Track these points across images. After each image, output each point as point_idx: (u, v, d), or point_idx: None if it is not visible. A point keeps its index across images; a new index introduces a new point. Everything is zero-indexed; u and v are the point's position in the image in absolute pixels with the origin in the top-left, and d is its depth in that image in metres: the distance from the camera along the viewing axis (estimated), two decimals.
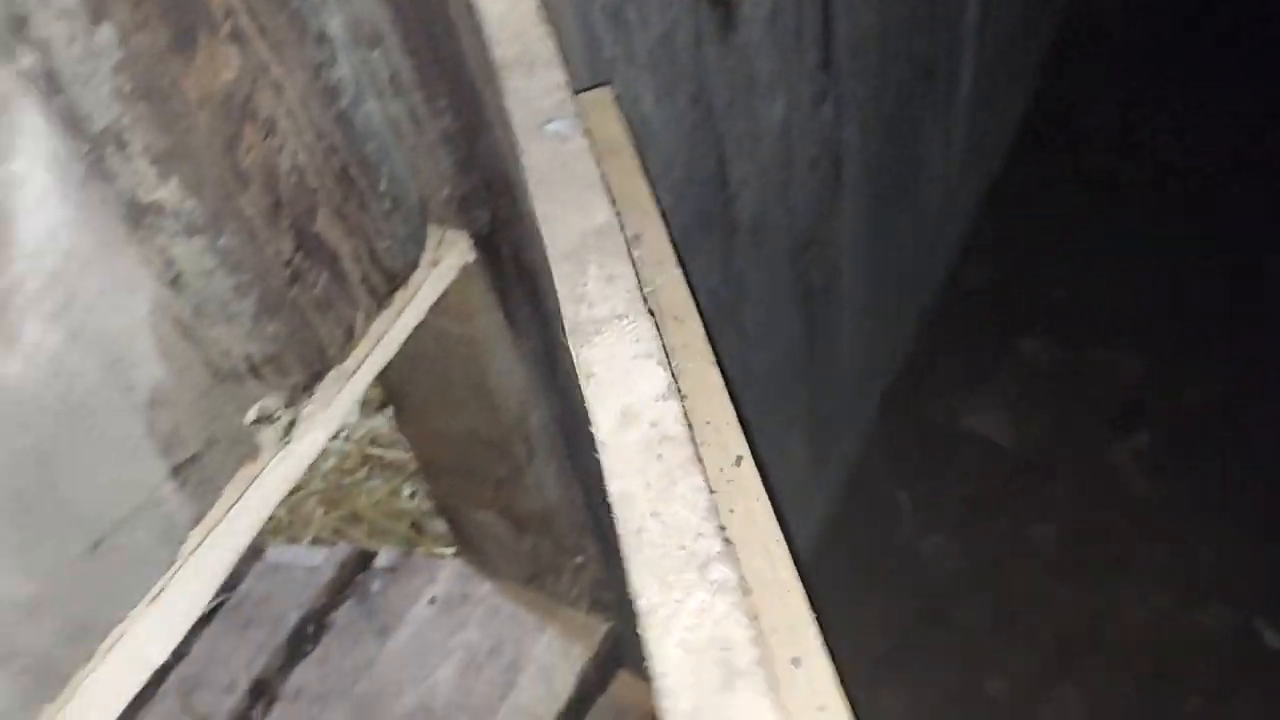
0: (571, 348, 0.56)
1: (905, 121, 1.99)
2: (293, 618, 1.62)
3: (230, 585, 1.73)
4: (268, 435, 0.74)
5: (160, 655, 0.69)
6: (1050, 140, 2.89)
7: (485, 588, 1.41)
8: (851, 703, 0.52)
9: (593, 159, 0.67)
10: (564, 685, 1.30)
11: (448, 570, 1.45)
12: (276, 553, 1.73)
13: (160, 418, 0.64)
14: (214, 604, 1.73)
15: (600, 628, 1.35)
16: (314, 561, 1.74)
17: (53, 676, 0.62)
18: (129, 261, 0.60)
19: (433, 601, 1.42)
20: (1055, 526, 2.24)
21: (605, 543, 1.31)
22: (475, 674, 1.33)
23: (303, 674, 1.56)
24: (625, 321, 0.56)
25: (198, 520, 0.69)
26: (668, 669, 0.43)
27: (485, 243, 0.88)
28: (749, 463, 0.60)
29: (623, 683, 1.39)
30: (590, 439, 0.51)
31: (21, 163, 0.53)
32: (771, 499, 0.62)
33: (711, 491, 0.50)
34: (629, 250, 0.62)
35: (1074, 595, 2.14)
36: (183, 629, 0.70)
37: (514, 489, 1.21)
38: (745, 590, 0.46)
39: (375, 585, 1.65)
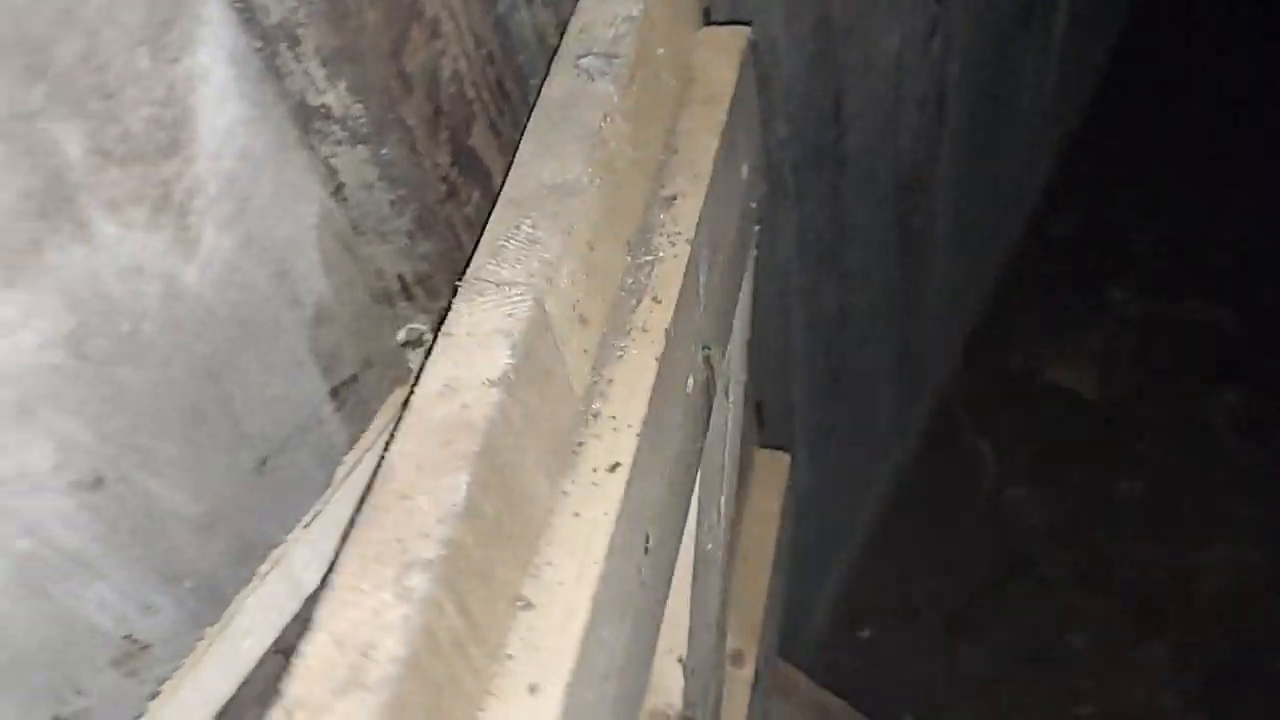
0: (457, 295, 0.51)
1: (1003, 63, 1.91)
2: None
3: None
4: (417, 358, 0.71)
5: (314, 580, 0.68)
6: (1136, 86, 2.76)
7: None
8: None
9: (606, 107, 0.61)
10: None
11: None
12: None
13: (323, 335, 0.62)
14: None
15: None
16: None
17: (217, 598, 0.61)
18: (298, 168, 0.57)
19: None
20: (1143, 482, 2.18)
21: None
22: None
23: None
24: (513, 291, 0.51)
25: (353, 443, 0.67)
26: (309, 654, 0.40)
27: None
28: (623, 473, 0.54)
29: None
30: None
31: (205, 55, 0.50)
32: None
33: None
34: (578, 217, 0.56)
35: (1161, 552, 2.09)
36: (331, 554, 0.69)
37: None
38: (444, 607, 0.42)
39: None
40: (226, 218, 0.54)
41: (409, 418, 0.47)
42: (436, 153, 0.66)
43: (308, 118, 0.57)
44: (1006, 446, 2.25)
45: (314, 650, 0.41)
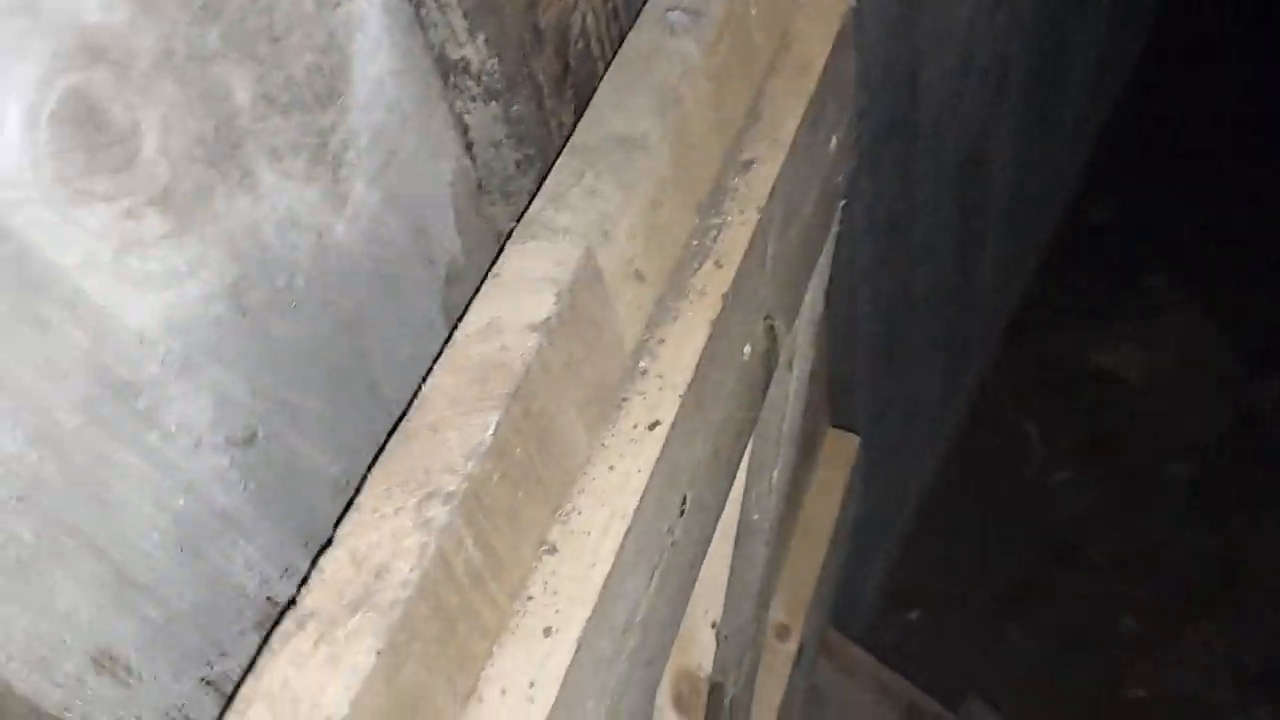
0: (512, 234, 0.51)
1: (1057, 39, 1.88)
2: None
3: None
4: None
5: None
6: (1175, 70, 2.73)
7: None
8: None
9: (687, 65, 0.59)
10: None
11: None
12: None
13: (453, 295, 0.61)
14: None
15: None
16: None
17: None
18: (438, 123, 0.56)
19: None
20: (1188, 466, 2.16)
21: None
22: None
23: None
24: (565, 240, 0.50)
25: None
26: (326, 568, 0.41)
27: None
28: (662, 431, 0.53)
29: None
30: None
31: (363, 0, 0.49)
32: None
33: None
34: (642, 173, 0.55)
35: (1207, 535, 2.08)
36: None
37: None
38: (463, 540, 0.42)
39: None
40: (373, 171, 0.52)
41: (449, 352, 0.46)
42: (562, 111, 0.65)
43: (447, 71, 0.56)
44: (1051, 430, 2.23)
45: (331, 566, 0.41)
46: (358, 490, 0.44)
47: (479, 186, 0.61)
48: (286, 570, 0.56)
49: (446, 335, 0.62)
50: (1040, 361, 2.31)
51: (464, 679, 0.45)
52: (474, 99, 0.58)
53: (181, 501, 0.48)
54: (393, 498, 0.43)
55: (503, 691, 0.45)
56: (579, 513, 0.50)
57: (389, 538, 0.41)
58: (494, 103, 0.60)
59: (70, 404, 0.42)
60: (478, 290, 0.49)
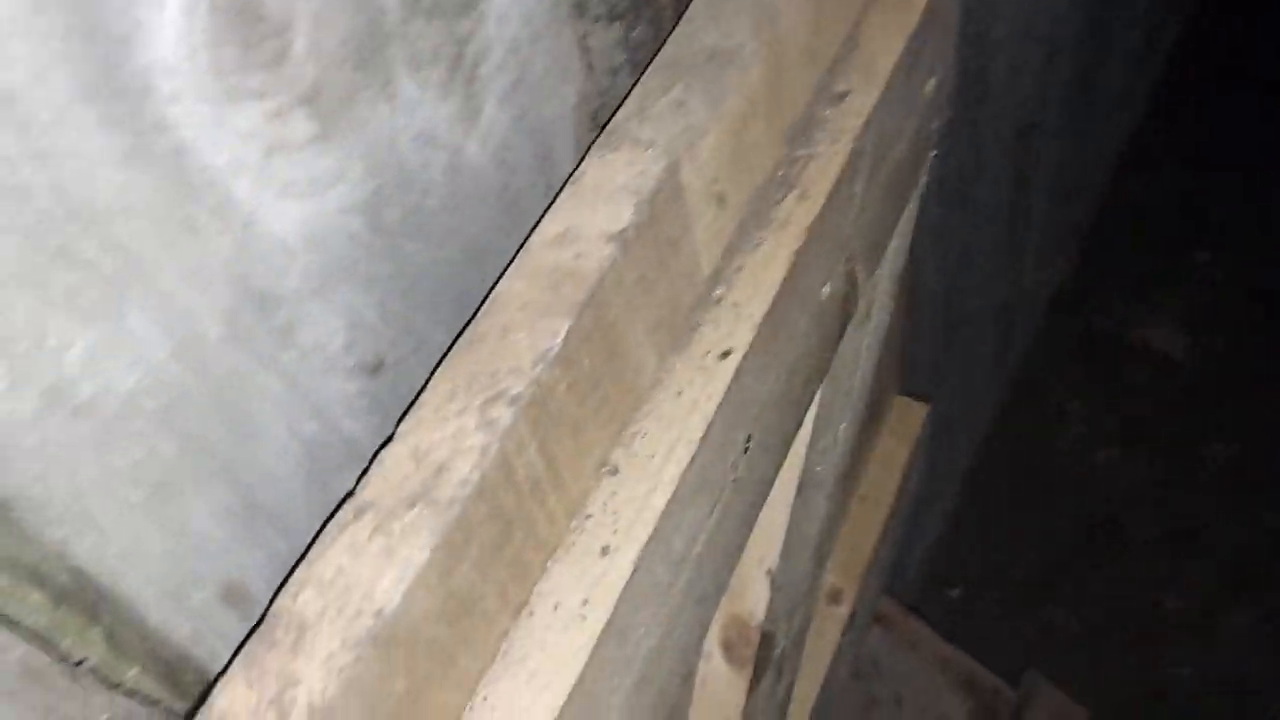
0: (594, 144, 0.48)
1: (1106, 9, 1.84)
2: None
3: None
4: None
5: None
6: (1218, 46, 2.68)
7: None
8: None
9: None
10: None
11: None
12: None
13: None
14: None
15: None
16: None
17: None
18: (565, 44, 0.54)
19: None
20: (1233, 446, 2.13)
21: None
22: None
23: None
24: (648, 152, 0.48)
25: None
26: (387, 462, 0.40)
27: None
28: (734, 361, 0.51)
29: None
30: None
31: None
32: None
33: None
34: (732, 89, 0.52)
35: (1252, 515, 2.05)
36: None
37: None
38: (526, 445, 0.41)
39: None
40: (505, 90, 0.50)
41: (522, 257, 0.45)
42: None
43: None
44: (1094, 408, 2.20)
45: (391, 459, 0.40)
46: (422, 389, 0.42)
47: (595, 116, 0.59)
48: None
49: None
50: (1083, 339, 2.28)
51: (516, 590, 0.43)
52: (598, 19, 0.56)
53: (312, 427, 0.46)
54: (457, 398, 0.41)
55: (555, 607, 0.44)
56: (643, 436, 0.49)
57: (451, 437, 0.40)
58: (617, 24, 0.57)
59: (214, 314, 0.39)
60: (555, 197, 0.47)
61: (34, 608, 0.37)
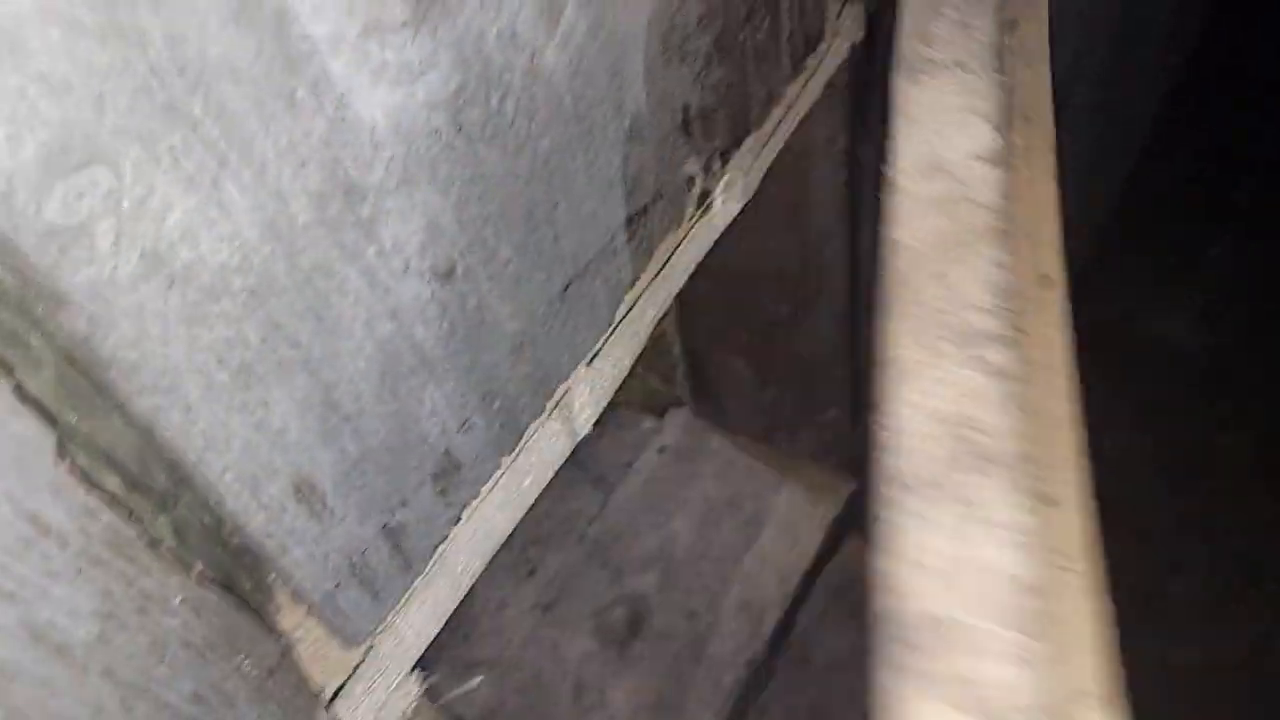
0: (894, 82, 0.48)
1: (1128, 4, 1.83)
2: None
3: None
4: (690, 200, 0.68)
5: (587, 425, 0.65)
6: (1240, 33, 2.67)
7: (717, 440, 1.37)
8: None
9: None
10: (810, 540, 1.26)
11: (676, 422, 1.41)
12: None
13: (633, 154, 0.58)
14: None
15: (844, 486, 1.30)
16: None
17: (514, 426, 0.58)
18: None
19: (663, 451, 1.39)
20: (1246, 435, 2.13)
21: (857, 397, 1.26)
22: (714, 525, 1.30)
23: None
24: (964, 73, 0.47)
25: (634, 281, 0.64)
26: (904, 429, 0.38)
27: (869, 26, 0.80)
28: (1060, 292, 0.51)
29: (854, 549, 1.36)
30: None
31: None
32: None
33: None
34: (996, 14, 0.53)
35: (1264, 505, 2.05)
36: (606, 400, 0.66)
37: (787, 331, 1.15)
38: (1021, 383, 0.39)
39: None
40: None
41: (899, 199, 0.44)
42: None
43: None
44: (1107, 396, 2.20)
45: (907, 427, 0.38)
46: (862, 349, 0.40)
47: (666, 39, 0.58)
48: (465, 424, 0.53)
49: (624, 199, 0.59)
50: (1096, 328, 2.27)
51: None
52: None
53: (388, 328, 0.45)
54: (930, 349, 0.40)
55: None
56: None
57: (956, 390, 0.39)
58: None
59: (305, 196, 0.39)
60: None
61: (112, 488, 0.37)
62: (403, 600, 0.54)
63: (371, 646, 0.53)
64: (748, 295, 1.14)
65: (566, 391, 0.61)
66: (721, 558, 1.27)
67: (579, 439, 0.64)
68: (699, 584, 1.29)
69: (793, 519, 1.28)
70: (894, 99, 0.46)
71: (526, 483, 0.61)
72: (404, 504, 0.51)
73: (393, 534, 0.51)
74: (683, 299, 1.29)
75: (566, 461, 1.63)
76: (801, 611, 1.32)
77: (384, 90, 0.41)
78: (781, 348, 1.19)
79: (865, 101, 0.87)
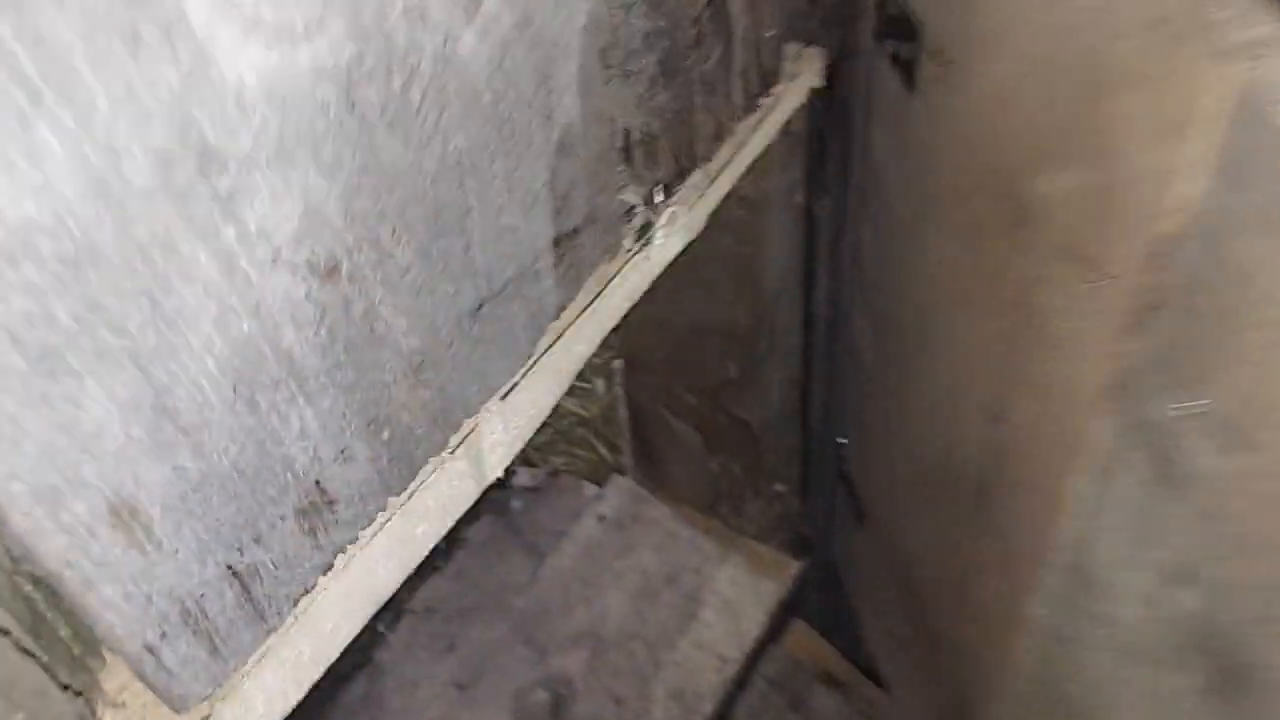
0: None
1: None
2: None
3: None
4: (627, 232, 0.62)
5: (499, 467, 0.58)
6: None
7: (659, 510, 1.29)
8: None
9: None
10: (752, 624, 1.18)
11: (617, 489, 1.34)
12: None
13: (562, 169, 0.53)
14: None
15: (791, 565, 1.23)
16: None
17: (406, 462, 0.51)
18: None
19: (601, 519, 1.31)
20: None
21: (808, 469, 1.20)
22: (649, 602, 1.22)
23: (434, 589, 1.45)
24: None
25: (560, 309, 0.58)
26: None
27: (830, 72, 0.77)
28: None
29: (798, 634, 1.28)
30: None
31: None
32: None
33: None
34: None
35: None
36: (522, 441, 0.59)
37: (738, 392, 1.09)
38: None
39: (516, 504, 1.54)
40: None
41: None
42: None
43: None
44: None
45: None
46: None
47: (606, 52, 0.54)
48: (342, 452, 0.46)
49: (550, 217, 0.54)
50: None
51: None
52: None
53: (246, 327, 0.39)
54: None
55: None
56: None
57: None
58: None
59: (145, 155, 0.33)
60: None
61: None
62: (253, 659, 0.46)
63: (209, 716, 0.45)
64: (695, 353, 1.09)
65: (474, 428, 0.55)
66: (655, 638, 1.18)
67: (487, 483, 0.57)
68: (629, 666, 1.20)
69: (734, 598, 1.20)
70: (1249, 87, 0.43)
71: (419, 530, 0.54)
72: (257, 541, 0.44)
73: (241, 577, 0.44)
74: (629, 356, 1.23)
75: (499, 526, 1.54)
76: (739, 703, 1.24)
77: (257, 49, 0.35)
78: (729, 412, 1.13)
79: (824, 152, 0.84)
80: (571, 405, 1.37)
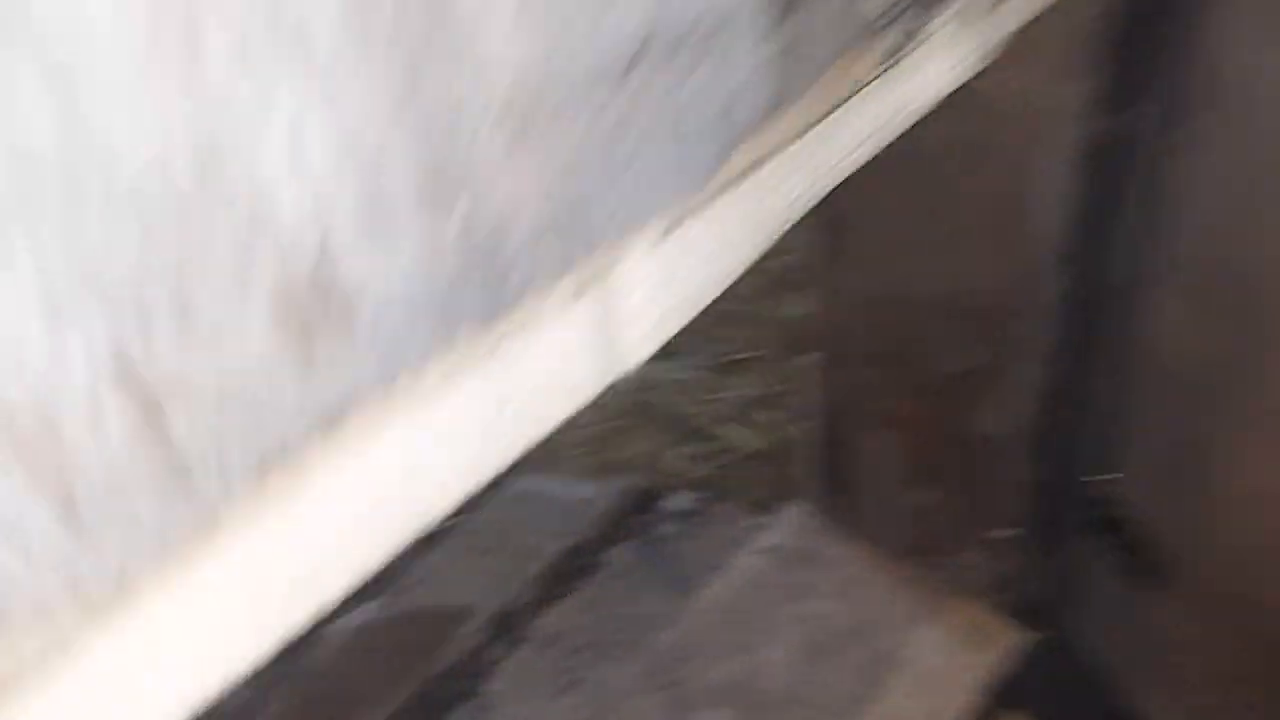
0: None
1: None
2: (550, 550, 1.35)
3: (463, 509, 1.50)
4: (876, 34, 0.41)
5: (640, 349, 0.38)
6: None
7: (843, 549, 1.04)
8: None
9: None
10: (952, 704, 0.91)
11: (790, 518, 1.10)
12: (524, 482, 1.45)
13: None
14: (446, 525, 1.50)
15: (1008, 635, 0.94)
16: (582, 493, 1.47)
17: (494, 279, 0.31)
18: None
19: (768, 553, 1.07)
20: None
21: (1046, 513, 0.92)
22: (822, 661, 0.97)
23: (560, 616, 1.26)
24: None
25: (769, 111, 0.37)
26: None
27: None
28: None
29: None
30: None
31: None
32: None
33: None
34: None
35: None
36: (680, 320, 0.38)
37: (970, 399, 0.84)
38: None
39: (665, 529, 1.34)
40: None
41: None
42: None
43: None
44: None
45: None
46: None
47: None
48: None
49: None
50: None
51: None
52: None
53: None
54: None
55: None
56: None
57: None
58: None
59: None
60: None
61: None
62: None
63: None
64: (916, 340, 0.84)
65: (608, 269, 0.34)
66: (824, 705, 0.93)
67: (616, 369, 0.36)
68: None
69: (932, 670, 0.93)
70: None
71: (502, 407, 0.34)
72: None
73: None
74: (824, 339, 1.01)
75: (643, 553, 1.28)
76: None
77: None
78: (950, 423, 0.88)
79: (1142, 37, 0.60)
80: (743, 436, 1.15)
